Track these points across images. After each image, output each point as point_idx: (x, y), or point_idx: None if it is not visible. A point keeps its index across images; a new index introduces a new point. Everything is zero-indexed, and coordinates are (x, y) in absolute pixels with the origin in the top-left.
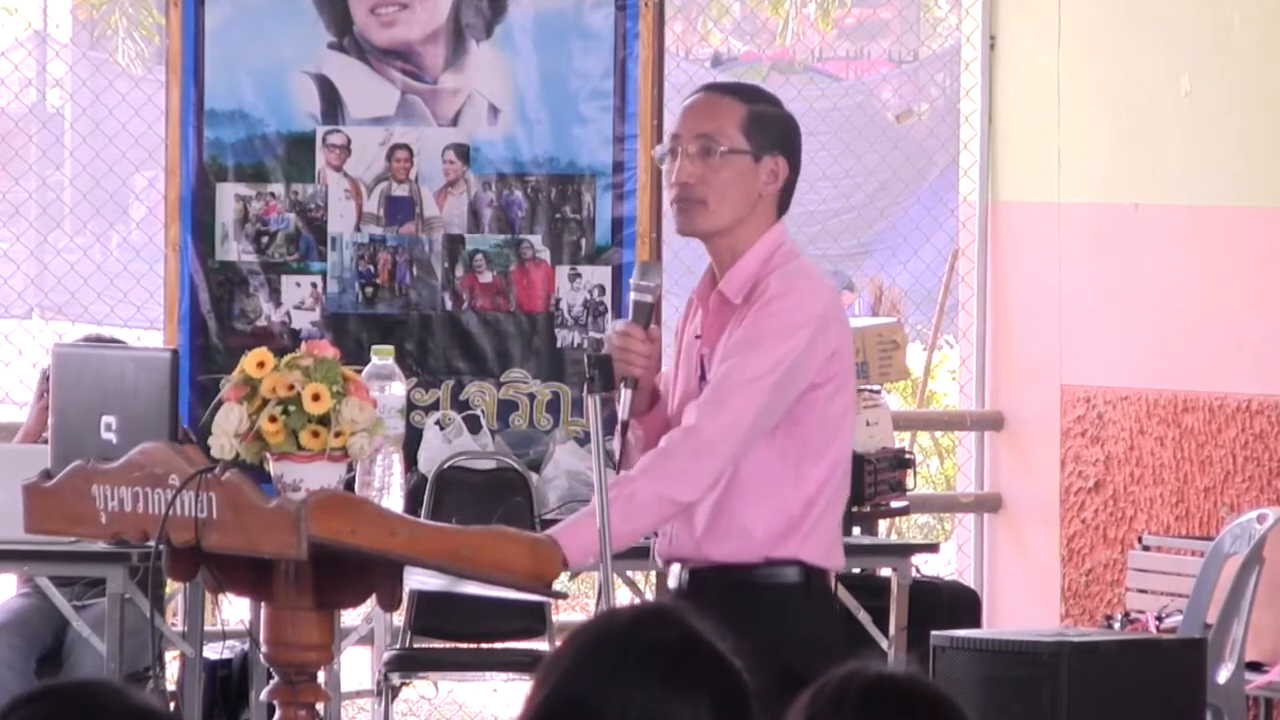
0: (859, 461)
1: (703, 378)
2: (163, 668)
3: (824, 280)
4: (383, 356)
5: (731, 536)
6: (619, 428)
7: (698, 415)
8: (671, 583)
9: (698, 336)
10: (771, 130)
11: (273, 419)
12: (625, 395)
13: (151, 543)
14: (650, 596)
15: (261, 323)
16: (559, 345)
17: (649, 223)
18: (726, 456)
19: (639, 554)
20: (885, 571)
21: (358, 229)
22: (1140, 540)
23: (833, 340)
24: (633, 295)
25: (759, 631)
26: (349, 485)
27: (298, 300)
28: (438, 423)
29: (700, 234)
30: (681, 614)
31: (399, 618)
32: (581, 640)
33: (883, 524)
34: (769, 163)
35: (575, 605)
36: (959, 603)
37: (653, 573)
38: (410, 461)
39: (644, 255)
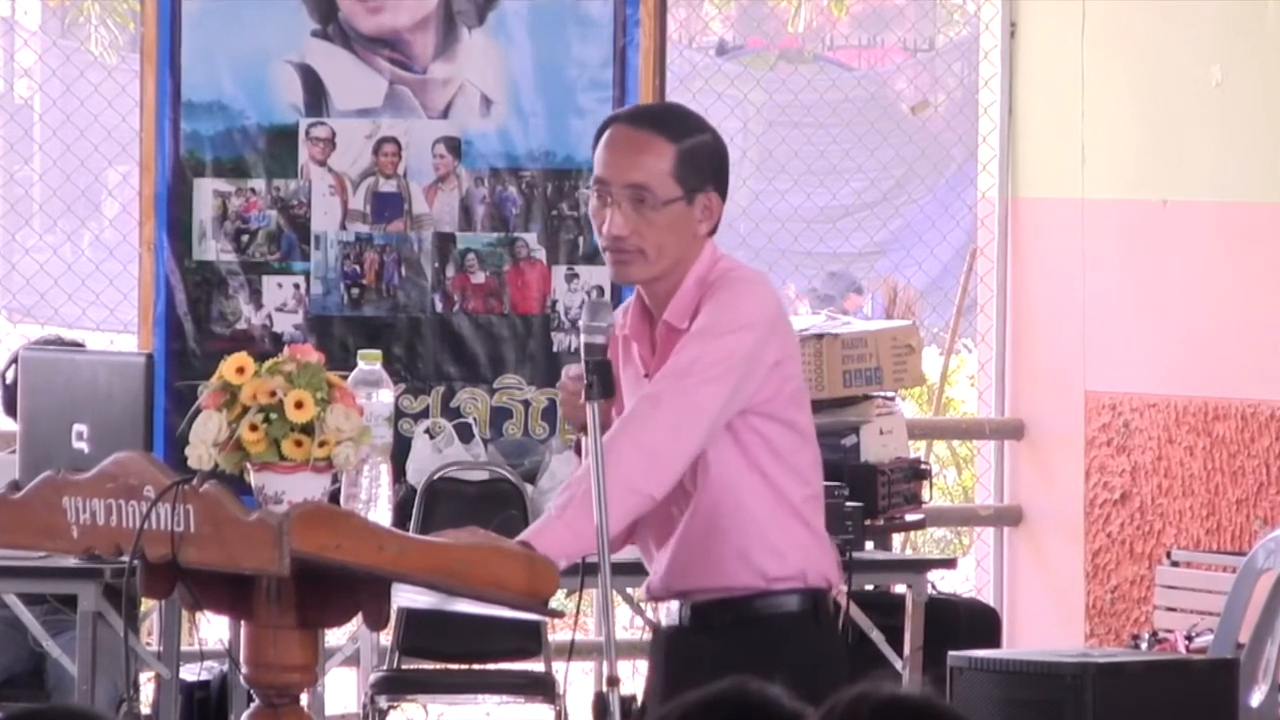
0: (872, 472)
1: None
2: (137, 690)
3: (769, 288)
4: (369, 361)
5: (726, 565)
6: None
7: (666, 397)
8: (666, 620)
9: (646, 375)
10: (701, 165)
11: (253, 427)
12: (585, 443)
13: (125, 558)
14: (649, 614)
15: (241, 326)
16: (555, 349)
17: None
18: (694, 445)
19: (638, 570)
20: (900, 588)
21: (343, 227)
22: (1169, 555)
23: (775, 349)
24: (584, 338)
25: (767, 662)
26: (334, 497)
27: (280, 302)
28: (427, 431)
29: (639, 282)
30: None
31: (386, 637)
32: None
33: (897, 538)
34: (702, 200)
35: (572, 624)
36: (977, 621)
37: None
38: (398, 472)
39: None
